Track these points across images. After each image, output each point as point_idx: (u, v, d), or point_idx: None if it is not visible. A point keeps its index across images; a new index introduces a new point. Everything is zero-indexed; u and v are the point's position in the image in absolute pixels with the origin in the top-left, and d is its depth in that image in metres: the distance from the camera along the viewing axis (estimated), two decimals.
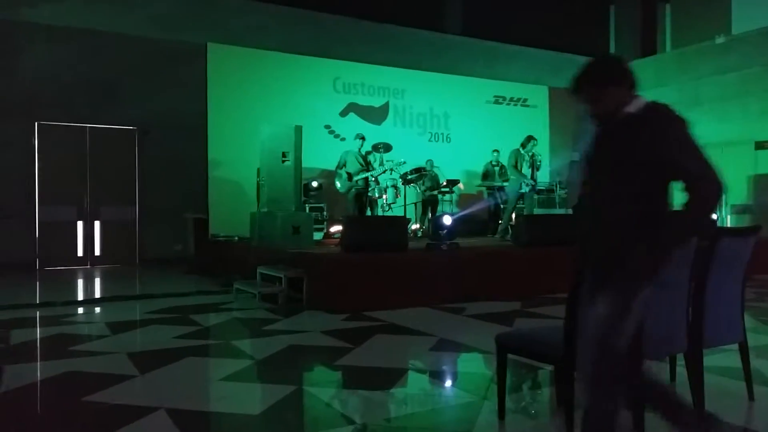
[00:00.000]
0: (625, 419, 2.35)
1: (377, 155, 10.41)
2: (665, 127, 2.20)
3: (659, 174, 2.20)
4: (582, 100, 2.37)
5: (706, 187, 2.14)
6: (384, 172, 10.09)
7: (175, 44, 11.06)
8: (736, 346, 3.39)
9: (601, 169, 2.36)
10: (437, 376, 4.15)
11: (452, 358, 4.59)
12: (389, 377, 3.92)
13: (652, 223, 2.19)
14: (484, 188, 11.69)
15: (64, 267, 10.26)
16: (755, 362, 3.69)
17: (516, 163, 9.71)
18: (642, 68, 16.57)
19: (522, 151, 9.74)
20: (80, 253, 10.58)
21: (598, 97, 2.32)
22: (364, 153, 10.00)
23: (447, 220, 7.83)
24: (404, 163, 10.24)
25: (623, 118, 2.26)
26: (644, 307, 2.29)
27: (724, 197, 2.26)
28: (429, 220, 10.68)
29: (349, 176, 9.61)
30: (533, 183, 9.74)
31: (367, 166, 9.82)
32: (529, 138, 9.80)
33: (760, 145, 13.65)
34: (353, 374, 4.10)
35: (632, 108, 2.26)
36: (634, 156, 2.21)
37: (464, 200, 12.64)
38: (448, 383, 4.05)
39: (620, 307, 2.21)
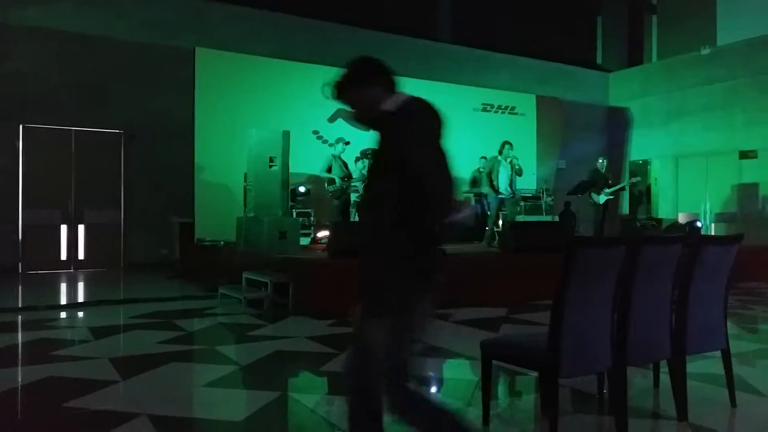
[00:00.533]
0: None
1: (366, 161, 10.40)
2: (405, 123, 2.02)
3: (410, 177, 1.95)
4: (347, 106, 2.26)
5: (433, 195, 1.92)
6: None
7: (162, 48, 11.02)
8: (718, 353, 3.42)
9: (369, 175, 2.24)
10: (423, 382, 4.14)
11: (438, 364, 4.58)
12: None
13: (405, 235, 1.98)
14: (471, 195, 11.73)
15: (48, 271, 10.15)
16: (738, 369, 3.72)
17: (491, 171, 9.69)
18: (629, 78, 16.79)
19: (499, 158, 9.73)
20: (64, 257, 10.47)
21: (354, 101, 2.22)
22: (352, 159, 9.99)
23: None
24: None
25: (381, 117, 2.13)
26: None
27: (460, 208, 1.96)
28: None
29: (343, 180, 9.59)
30: (510, 194, 9.73)
31: (347, 170, 9.78)
32: (504, 143, 9.77)
33: (744, 155, 13.82)
34: (338, 380, 4.08)
35: (389, 105, 2.12)
36: (386, 157, 2.05)
37: None
38: (434, 389, 4.04)
39: (393, 334, 2.06)
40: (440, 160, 1.96)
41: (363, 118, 2.23)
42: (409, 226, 1.97)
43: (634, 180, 12.19)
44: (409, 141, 1.97)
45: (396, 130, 2.02)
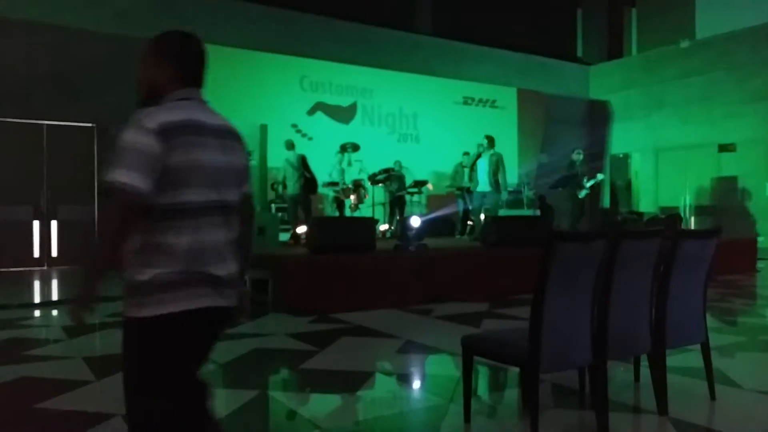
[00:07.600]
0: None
1: (345, 155, 10.34)
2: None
3: None
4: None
5: (108, 205, 1.75)
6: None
7: (135, 40, 10.76)
8: (698, 346, 3.42)
9: None
10: (404, 379, 4.11)
11: (419, 361, 4.54)
12: (355, 380, 3.86)
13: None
14: (453, 189, 11.71)
15: (20, 268, 9.94)
16: (717, 362, 3.73)
17: (498, 165, 9.38)
18: (609, 71, 16.89)
19: (494, 152, 9.49)
20: (36, 254, 10.25)
21: (140, 72, 1.99)
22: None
23: (415, 221, 7.79)
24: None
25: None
26: None
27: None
28: (397, 221, 10.65)
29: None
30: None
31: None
32: (490, 138, 9.51)
33: (723, 148, 13.95)
34: (319, 378, 4.02)
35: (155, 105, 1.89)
36: None
37: (433, 201, 12.65)
38: (415, 386, 4.00)
39: None
40: (122, 174, 1.72)
41: (141, 100, 2.00)
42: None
43: (600, 178, 11.98)
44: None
45: None
